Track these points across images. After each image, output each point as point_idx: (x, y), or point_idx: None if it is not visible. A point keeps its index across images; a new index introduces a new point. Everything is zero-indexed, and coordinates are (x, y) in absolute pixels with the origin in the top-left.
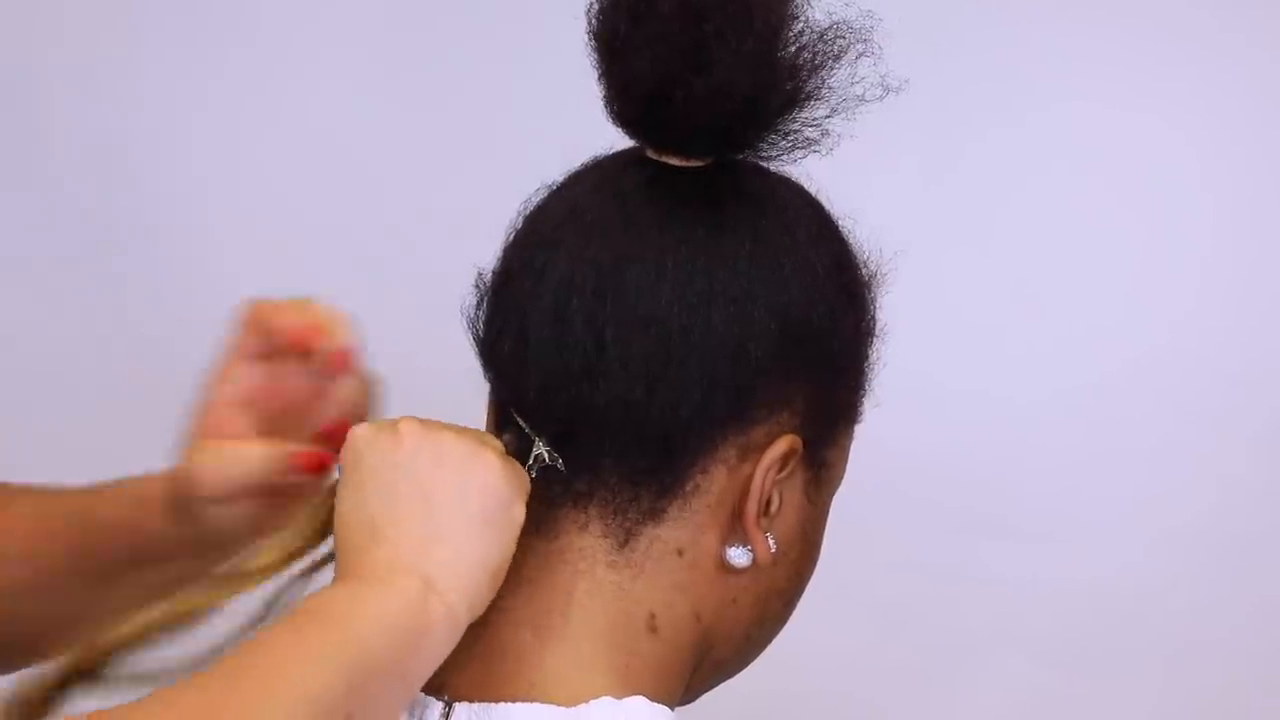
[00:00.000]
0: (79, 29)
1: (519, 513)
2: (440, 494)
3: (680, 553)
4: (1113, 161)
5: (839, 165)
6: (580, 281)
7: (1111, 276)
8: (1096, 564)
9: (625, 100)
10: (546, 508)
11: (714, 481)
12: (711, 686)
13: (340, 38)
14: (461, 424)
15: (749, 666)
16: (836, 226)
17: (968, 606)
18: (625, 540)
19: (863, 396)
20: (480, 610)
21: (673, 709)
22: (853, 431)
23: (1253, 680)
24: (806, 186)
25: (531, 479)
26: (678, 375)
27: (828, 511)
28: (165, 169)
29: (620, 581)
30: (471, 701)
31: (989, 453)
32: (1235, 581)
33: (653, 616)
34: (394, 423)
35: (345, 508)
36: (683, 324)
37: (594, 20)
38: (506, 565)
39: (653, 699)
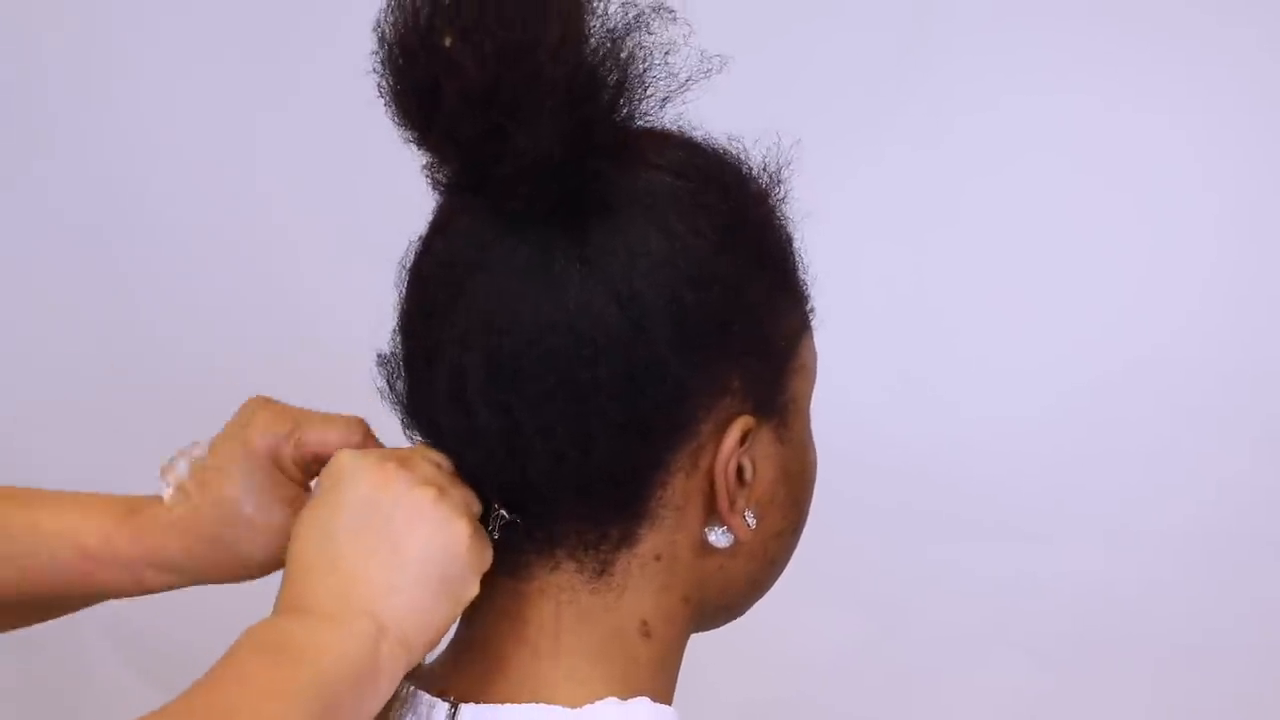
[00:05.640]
0: (68, 29)
1: (473, 589)
2: (409, 548)
3: (659, 558)
4: (1113, 160)
5: (839, 166)
6: (469, 366)
7: (1110, 277)
8: (1092, 564)
9: (446, 176)
10: (512, 553)
11: (675, 491)
12: (722, 624)
13: (330, 34)
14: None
15: (746, 667)
16: (718, 173)
17: (964, 607)
18: (602, 570)
19: (805, 313)
20: (412, 666)
21: (670, 703)
22: (810, 344)
23: (1248, 681)
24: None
25: (495, 540)
26: (603, 428)
27: (808, 428)
28: (155, 169)
29: (607, 603)
30: (477, 703)
31: (987, 454)
32: (1232, 582)
33: (645, 623)
34: (383, 461)
35: (308, 529)
36: (589, 379)
37: (390, 113)
38: (446, 632)
39: (654, 699)
